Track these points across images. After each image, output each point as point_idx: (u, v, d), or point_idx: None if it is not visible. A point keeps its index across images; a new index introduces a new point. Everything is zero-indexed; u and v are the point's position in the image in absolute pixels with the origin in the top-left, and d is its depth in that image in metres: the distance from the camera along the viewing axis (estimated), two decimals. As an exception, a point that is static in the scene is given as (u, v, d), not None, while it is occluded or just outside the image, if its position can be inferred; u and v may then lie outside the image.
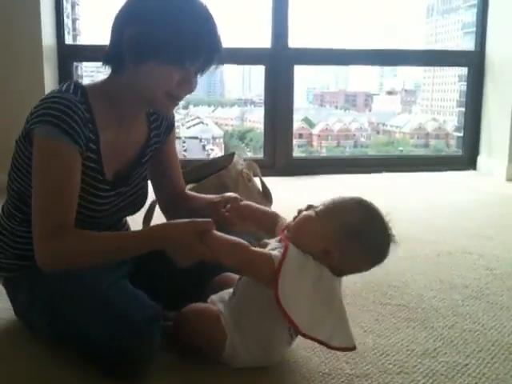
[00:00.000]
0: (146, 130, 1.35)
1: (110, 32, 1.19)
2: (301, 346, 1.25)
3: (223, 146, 9.88)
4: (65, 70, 3.03)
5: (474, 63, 3.59)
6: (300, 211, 1.15)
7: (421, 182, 3.35)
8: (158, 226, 1.20)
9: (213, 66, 1.21)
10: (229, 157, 1.79)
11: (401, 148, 10.12)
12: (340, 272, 1.12)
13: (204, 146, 9.75)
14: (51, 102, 1.13)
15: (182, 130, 10.23)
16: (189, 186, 1.75)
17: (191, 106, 8.61)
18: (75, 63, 3.11)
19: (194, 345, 1.15)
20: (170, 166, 1.45)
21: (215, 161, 1.82)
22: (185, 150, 9.47)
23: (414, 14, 7.62)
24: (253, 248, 1.08)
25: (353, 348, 1.10)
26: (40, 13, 2.82)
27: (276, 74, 3.29)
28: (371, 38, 5.51)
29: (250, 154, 7.43)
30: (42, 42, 2.82)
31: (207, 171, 1.77)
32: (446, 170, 3.51)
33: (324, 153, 7.77)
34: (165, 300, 1.21)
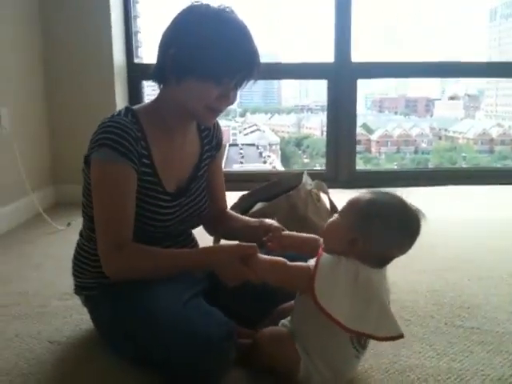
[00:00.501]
0: (199, 145, 1.46)
1: (156, 51, 1.30)
2: (375, 369, 1.28)
3: (280, 152, 9.90)
4: (134, 89, 3.17)
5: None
6: None
7: (490, 195, 3.27)
8: (208, 249, 1.31)
9: (251, 81, 1.29)
10: (298, 176, 1.83)
11: (464, 154, 9.85)
12: (376, 258, 1.13)
13: (261, 153, 9.82)
14: (105, 127, 1.24)
15: (239, 137, 10.32)
16: (259, 205, 1.81)
17: (248, 114, 8.72)
18: (144, 81, 3.23)
19: (270, 367, 1.20)
20: (214, 184, 1.53)
21: (284, 179, 1.87)
22: (242, 157, 9.56)
23: (476, 18, 7.45)
24: (290, 263, 1.16)
25: (400, 336, 1.12)
26: (111, 33, 2.97)
27: (339, 88, 3.32)
28: (433, 49, 5.43)
29: (306, 161, 7.44)
30: (113, 62, 2.97)
31: (276, 190, 1.82)
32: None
33: (383, 158, 7.67)
34: (237, 319, 1.27)
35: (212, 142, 1.50)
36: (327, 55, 3.33)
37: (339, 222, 1.16)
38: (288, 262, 1.17)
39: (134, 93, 3.16)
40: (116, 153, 1.22)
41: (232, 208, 1.82)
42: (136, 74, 3.18)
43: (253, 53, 1.26)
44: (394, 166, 7.32)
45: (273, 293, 1.30)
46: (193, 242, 1.54)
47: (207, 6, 1.27)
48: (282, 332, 1.23)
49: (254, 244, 1.23)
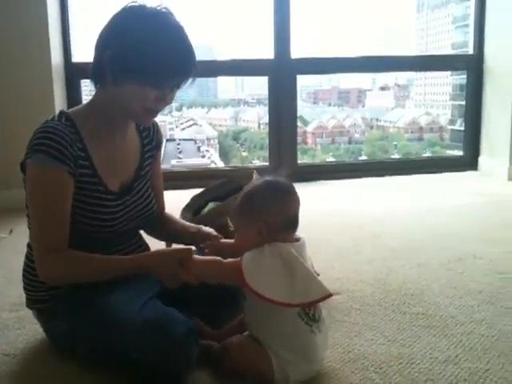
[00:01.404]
0: (140, 145, 1.47)
1: (93, 51, 1.29)
2: (331, 359, 1.34)
3: (218, 146, 9.88)
4: (73, 89, 3.10)
5: (473, 67, 3.69)
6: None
7: (423, 184, 3.44)
8: (145, 256, 1.34)
9: (188, 82, 1.31)
10: (248, 174, 1.87)
11: (395, 142, 10.20)
12: (284, 227, 1.24)
13: (199, 148, 9.78)
14: (39, 133, 1.25)
15: (176, 132, 10.21)
16: (211, 204, 1.84)
17: (184, 108, 8.66)
18: (82, 81, 3.16)
19: (243, 372, 1.23)
20: (153, 185, 1.53)
21: (235, 178, 1.90)
22: (180, 152, 9.48)
23: (404, 10, 7.71)
24: (224, 261, 1.24)
25: (329, 295, 1.20)
26: (49, 31, 2.88)
27: (279, 84, 3.38)
28: (368, 42, 5.59)
29: (245, 154, 7.49)
30: (51, 61, 2.89)
31: (227, 189, 1.85)
32: (447, 172, 3.60)
33: (319, 150, 7.83)
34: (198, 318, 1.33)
35: (152, 142, 1.51)
36: (266, 52, 3.38)
37: (239, 232, 1.29)
38: (222, 259, 1.25)
39: (73, 93, 3.09)
40: (49, 157, 1.22)
41: (184, 209, 1.84)
42: (74, 73, 3.11)
43: (189, 55, 1.26)
44: (329, 157, 7.50)
45: (216, 294, 1.35)
46: (143, 245, 1.55)
47: (144, 6, 1.27)
48: (249, 339, 1.27)
49: (190, 247, 1.29)
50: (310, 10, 4.15)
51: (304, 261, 1.21)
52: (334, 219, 2.68)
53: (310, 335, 1.22)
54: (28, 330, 1.54)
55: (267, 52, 3.38)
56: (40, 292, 1.36)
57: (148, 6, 1.27)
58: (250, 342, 1.25)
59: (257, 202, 1.24)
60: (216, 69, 3.46)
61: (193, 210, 1.82)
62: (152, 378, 1.18)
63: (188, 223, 1.59)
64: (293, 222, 1.26)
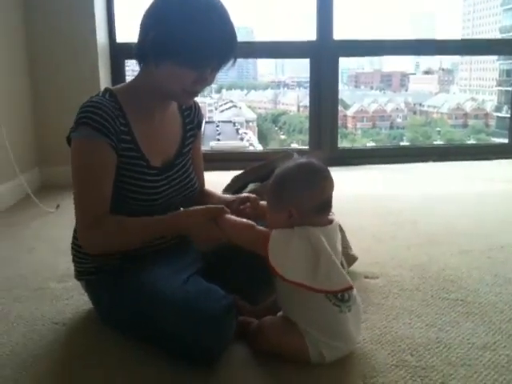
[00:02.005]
0: (182, 123, 1.52)
1: (138, 31, 1.33)
2: (368, 340, 1.36)
3: (256, 129, 9.86)
4: (117, 68, 3.17)
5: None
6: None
7: (467, 171, 3.40)
8: (181, 213, 1.34)
9: (229, 64, 1.32)
10: (288, 157, 1.89)
11: (438, 129, 9.97)
12: (315, 211, 1.22)
13: (238, 130, 9.79)
14: (83, 108, 1.29)
15: (215, 114, 10.22)
16: (251, 185, 1.86)
17: (224, 90, 8.69)
18: (127, 61, 3.23)
19: (278, 352, 1.27)
20: (194, 163, 1.57)
21: (275, 160, 1.92)
22: (219, 134, 9.52)
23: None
24: (258, 227, 1.25)
25: (350, 287, 1.22)
26: (94, 12, 2.95)
27: (321, 66, 3.37)
28: (413, 25, 5.49)
29: (283, 137, 7.49)
30: (96, 43, 2.97)
31: (267, 171, 1.87)
32: (491, 159, 3.53)
33: (359, 134, 7.76)
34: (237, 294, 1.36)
35: (194, 122, 1.56)
36: (307, 33, 3.37)
37: (271, 214, 1.28)
38: (254, 224, 1.26)
39: (117, 73, 3.16)
40: (92, 130, 1.27)
41: (225, 190, 1.87)
42: (118, 53, 3.17)
43: (230, 37, 1.28)
44: (369, 142, 7.43)
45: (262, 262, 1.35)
46: None
47: None
48: (282, 320, 1.29)
49: (222, 206, 1.32)
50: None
51: (333, 248, 1.21)
52: (372, 204, 2.68)
53: (338, 315, 1.23)
54: (76, 300, 1.61)
55: (309, 33, 3.37)
56: (87, 264, 1.43)
57: None
58: (283, 322, 1.27)
59: (288, 187, 1.23)
60: (256, 51, 3.48)
61: (233, 190, 1.85)
62: (189, 352, 1.23)
63: (226, 195, 1.63)
64: (325, 206, 1.25)
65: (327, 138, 3.47)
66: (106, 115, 1.28)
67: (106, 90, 1.37)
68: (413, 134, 10.01)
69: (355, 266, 1.79)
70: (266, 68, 9.50)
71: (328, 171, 1.25)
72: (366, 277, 1.77)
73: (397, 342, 1.36)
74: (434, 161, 3.46)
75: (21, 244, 2.17)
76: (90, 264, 1.42)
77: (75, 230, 1.45)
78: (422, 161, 3.46)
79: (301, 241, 1.19)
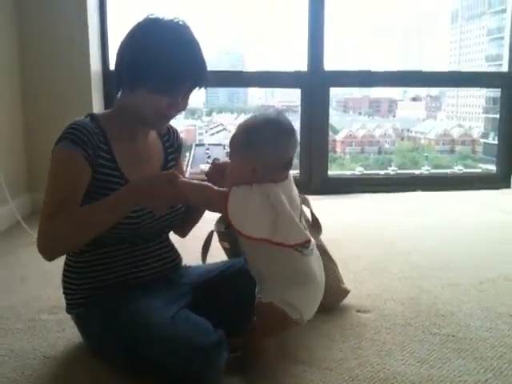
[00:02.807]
0: (162, 148, 1.56)
1: (115, 58, 1.39)
2: (361, 378, 1.37)
3: (246, 152, 9.67)
4: (110, 95, 3.18)
5: (508, 84, 3.68)
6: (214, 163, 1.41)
7: (454, 200, 3.45)
8: (132, 182, 1.32)
9: (199, 89, 1.40)
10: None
11: (426, 154, 10.05)
12: (278, 169, 1.26)
13: (227, 153, 9.68)
14: (65, 128, 1.34)
15: (205, 137, 10.25)
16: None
17: (214, 113, 8.74)
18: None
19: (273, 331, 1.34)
20: None
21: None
22: (208, 157, 9.54)
23: (438, 21, 7.68)
24: (216, 187, 1.27)
25: (307, 241, 1.27)
26: (89, 41, 2.99)
27: (312, 95, 3.43)
28: (400, 55, 5.59)
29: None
30: (90, 70, 2.99)
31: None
32: (479, 188, 3.59)
33: (347, 159, 7.80)
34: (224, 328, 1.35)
35: (174, 145, 1.59)
36: (297, 63, 3.43)
37: (233, 165, 1.29)
38: (212, 185, 1.27)
39: (110, 99, 3.17)
40: (70, 142, 1.31)
41: (218, 221, 1.88)
42: (111, 80, 3.19)
43: (200, 67, 1.35)
44: (358, 166, 7.48)
45: (248, 290, 1.38)
46: (170, 246, 1.59)
47: (160, 18, 1.36)
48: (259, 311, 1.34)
49: (173, 170, 1.35)
50: (343, 23, 4.18)
51: (291, 201, 1.26)
52: (363, 233, 2.71)
53: (302, 258, 1.28)
54: (67, 333, 1.60)
55: (299, 63, 3.43)
56: (77, 295, 1.44)
57: (165, 18, 1.35)
58: (263, 305, 1.31)
59: (255, 140, 1.24)
60: (247, 80, 3.52)
61: (226, 223, 1.86)
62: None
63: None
64: (288, 165, 1.29)
65: (318, 166, 3.50)
66: (84, 131, 1.33)
67: (88, 114, 1.43)
68: (401, 160, 10.07)
69: (347, 299, 1.81)
70: (255, 92, 9.56)
71: (294, 130, 1.30)
72: (358, 311, 1.78)
73: (390, 380, 1.37)
74: (422, 190, 3.50)
75: (12, 273, 2.16)
76: (80, 295, 1.43)
77: (66, 261, 1.47)
78: (411, 190, 3.50)
79: (260, 198, 1.21)
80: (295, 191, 1.33)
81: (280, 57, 3.88)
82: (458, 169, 7.10)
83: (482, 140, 10.05)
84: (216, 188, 1.27)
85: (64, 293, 1.48)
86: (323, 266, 1.77)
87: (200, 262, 1.73)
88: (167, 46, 1.31)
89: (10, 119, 2.96)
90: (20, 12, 2.95)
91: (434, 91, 9.39)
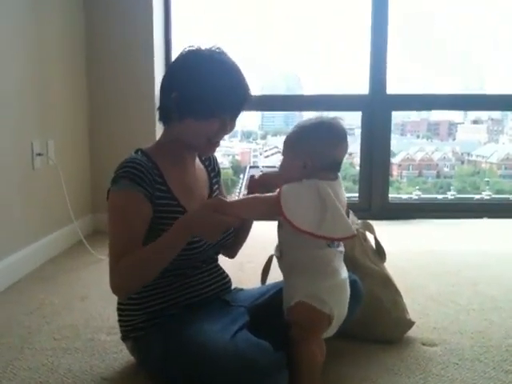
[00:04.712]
0: (206, 173, 1.59)
1: (160, 94, 1.43)
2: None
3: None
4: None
5: None
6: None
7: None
8: (179, 219, 1.31)
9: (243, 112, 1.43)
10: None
11: (487, 179, 9.71)
12: (328, 167, 1.30)
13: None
14: (120, 165, 1.36)
15: (259, 160, 10.29)
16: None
17: (269, 136, 8.77)
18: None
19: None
20: None
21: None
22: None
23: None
24: (261, 195, 1.30)
25: (353, 235, 1.28)
26: (154, 65, 3.05)
27: (373, 119, 3.35)
28: (461, 78, 5.43)
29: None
30: (154, 94, 3.04)
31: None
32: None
33: (404, 182, 7.61)
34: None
35: (215, 169, 1.63)
36: (359, 87, 3.36)
37: (285, 160, 1.34)
38: (258, 195, 1.31)
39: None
40: (129, 181, 1.32)
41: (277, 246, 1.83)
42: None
43: (246, 91, 1.39)
44: (415, 190, 7.28)
45: None
46: (222, 270, 1.59)
47: (199, 49, 1.40)
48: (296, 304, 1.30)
49: (218, 197, 1.39)
50: (404, 45, 4.07)
51: (338, 200, 1.25)
52: (427, 261, 2.57)
53: (327, 249, 1.29)
54: (125, 354, 1.57)
55: (359, 86, 3.37)
56: (135, 321, 1.43)
57: (203, 48, 1.40)
58: (292, 309, 1.30)
59: (308, 138, 1.29)
60: (307, 103, 3.48)
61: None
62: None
63: None
64: (336, 165, 1.32)
65: (378, 191, 3.40)
66: (140, 167, 1.35)
67: (137, 150, 1.45)
68: (460, 184, 9.80)
69: (412, 331, 1.71)
70: (311, 115, 9.45)
71: (346, 134, 1.33)
72: (424, 344, 1.68)
73: (460, 420, 1.27)
74: (487, 217, 3.33)
75: (73, 291, 2.18)
76: (139, 319, 1.42)
77: None
78: (475, 217, 3.33)
79: (310, 190, 1.25)
80: (343, 195, 1.33)
81: (339, 80, 3.82)
82: (520, 194, 6.72)
83: (547, 165, 9.54)
84: (263, 195, 1.30)
85: (119, 320, 1.48)
86: (389, 295, 1.71)
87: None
88: (214, 75, 1.35)
89: (77, 142, 3.03)
90: (89, 36, 3.05)
91: (496, 114, 9.12)
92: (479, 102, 3.59)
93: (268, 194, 1.30)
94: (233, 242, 1.60)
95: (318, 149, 1.29)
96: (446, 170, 8.20)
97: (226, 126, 1.41)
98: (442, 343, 1.68)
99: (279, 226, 1.35)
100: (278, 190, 1.28)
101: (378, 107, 3.28)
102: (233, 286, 1.62)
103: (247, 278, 2.06)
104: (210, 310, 1.43)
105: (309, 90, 4.02)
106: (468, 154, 9.54)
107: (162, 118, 1.45)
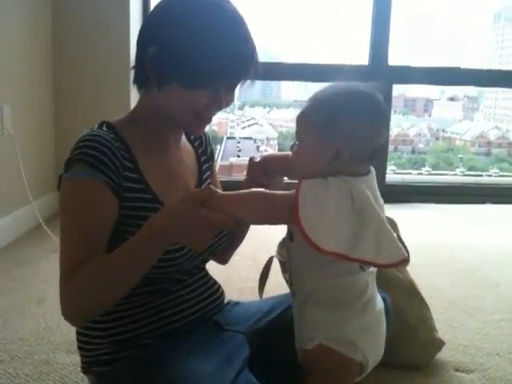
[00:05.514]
0: (195, 157, 1.17)
1: (135, 50, 1.01)
2: None
3: (277, 147, 9.66)
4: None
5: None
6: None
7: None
8: (150, 218, 0.88)
9: (248, 81, 1.00)
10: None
11: (461, 155, 9.73)
12: (364, 160, 0.90)
13: (258, 147, 9.57)
14: (77, 145, 0.94)
15: (236, 131, 10.07)
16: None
17: (247, 107, 8.48)
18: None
19: None
20: None
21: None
22: (239, 150, 9.30)
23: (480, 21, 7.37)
24: (270, 191, 0.88)
25: (405, 260, 0.85)
26: (129, 27, 2.61)
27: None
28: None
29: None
30: (130, 60, 2.59)
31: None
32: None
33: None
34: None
35: (207, 152, 1.20)
36: (358, 57, 2.97)
37: (305, 145, 0.90)
38: (266, 190, 0.88)
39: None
40: (85, 166, 0.91)
41: (280, 245, 1.46)
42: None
43: (250, 51, 0.97)
44: (391, 165, 7.12)
45: None
46: (214, 284, 1.17)
47: None
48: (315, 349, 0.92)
49: (209, 186, 0.89)
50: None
51: (378, 205, 0.86)
52: (438, 257, 2.18)
53: (362, 277, 0.91)
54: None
55: (359, 57, 2.97)
56: (98, 351, 1.01)
57: None
58: (311, 353, 0.92)
59: (346, 116, 0.87)
60: (310, 73, 3.05)
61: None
62: None
63: None
64: (377, 153, 0.91)
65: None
66: (103, 147, 0.93)
67: (102, 122, 1.01)
68: (435, 160, 9.85)
69: (440, 352, 1.37)
70: (289, 87, 9.39)
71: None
72: (457, 369, 1.34)
73: None
74: (491, 202, 3.00)
75: (28, 290, 1.75)
76: (103, 349, 1.01)
77: None
78: (477, 201, 3.00)
79: (340, 196, 0.84)
80: (378, 191, 0.92)
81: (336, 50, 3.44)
82: (493, 172, 6.66)
83: (522, 143, 9.55)
84: (272, 192, 0.88)
85: (80, 347, 1.05)
86: (415, 309, 1.36)
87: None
88: (210, 25, 0.93)
89: (39, 110, 2.59)
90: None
91: (472, 92, 9.13)
92: (452, 76, 3.18)
93: (280, 192, 0.88)
94: (225, 245, 1.18)
95: (362, 133, 0.87)
96: (421, 145, 8.11)
97: (221, 98, 0.99)
98: (479, 368, 1.34)
99: (288, 237, 0.94)
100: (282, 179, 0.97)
101: (379, 79, 2.88)
102: (226, 299, 1.22)
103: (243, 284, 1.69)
104: (197, 339, 1.02)
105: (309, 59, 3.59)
106: (443, 131, 9.51)
107: (137, 82, 1.02)
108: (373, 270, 0.93)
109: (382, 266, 0.87)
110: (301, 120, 0.91)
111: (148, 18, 1.01)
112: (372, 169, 0.93)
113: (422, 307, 1.38)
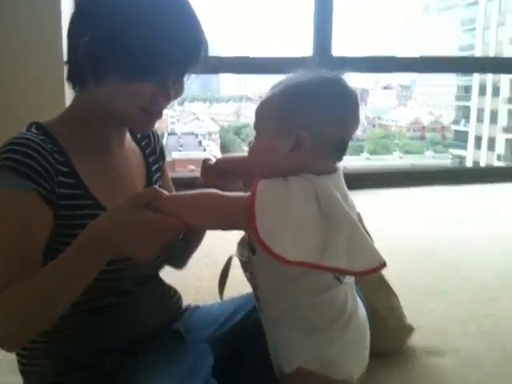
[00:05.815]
0: (142, 157, 1.04)
1: (67, 41, 0.88)
2: None
3: (219, 141, 9.58)
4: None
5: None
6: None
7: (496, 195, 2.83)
8: (88, 226, 0.76)
9: (198, 68, 0.88)
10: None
11: (397, 141, 10.04)
12: (331, 149, 0.79)
13: (200, 142, 9.45)
14: (2, 150, 0.81)
15: (177, 126, 9.90)
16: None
17: (186, 102, 8.27)
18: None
19: None
20: None
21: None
22: (180, 146, 9.13)
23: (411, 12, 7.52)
24: (222, 192, 0.77)
25: (382, 265, 0.75)
26: (61, 21, 2.41)
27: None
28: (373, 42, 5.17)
29: (246, 149, 7.26)
30: (63, 55, 2.41)
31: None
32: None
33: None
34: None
35: (156, 152, 1.07)
36: (300, 48, 2.89)
37: (260, 139, 0.81)
38: (218, 191, 0.77)
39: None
40: (11, 174, 0.78)
41: (240, 244, 1.35)
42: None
43: (198, 32, 0.86)
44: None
45: None
46: (169, 290, 1.06)
47: None
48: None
49: (155, 186, 0.79)
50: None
51: (348, 205, 0.75)
52: (392, 242, 2.04)
53: (340, 289, 0.80)
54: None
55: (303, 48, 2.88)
56: (41, 372, 0.89)
57: None
58: (289, 378, 0.82)
59: (305, 103, 0.77)
60: (250, 66, 2.95)
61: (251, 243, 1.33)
62: None
63: None
64: (343, 148, 0.81)
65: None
66: (32, 152, 0.80)
67: (31, 124, 0.88)
68: (373, 146, 10.11)
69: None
70: (228, 81, 9.34)
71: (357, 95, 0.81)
72: (429, 353, 1.29)
73: None
74: (443, 184, 2.95)
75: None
76: (47, 370, 0.88)
77: None
78: (415, 184, 2.97)
79: (304, 196, 0.73)
80: (347, 190, 0.81)
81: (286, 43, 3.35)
82: (429, 154, 6.87)
83: (454, 127, 9.95)
84: (229, 194, 0.76)
85: (20, 370, 0.92)
86: (384, 300, 1.30)
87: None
88: (148, 7, 0.82)
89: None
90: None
91: (405, 80, 9.37)
92: (386, 64, 3.18)
93: (235, 194, 0.78)
94: (181, 251, 1.07)
95: (323, 115, 0.77)
96: (359, 133, 8.31)
97: (169, 88, 0.87)
98: (450, 351, 1.30)
99: (249, 249, 0.80)
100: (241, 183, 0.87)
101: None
102: (184, 304, 1.10)
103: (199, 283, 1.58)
104: (156, 352, 0.90)
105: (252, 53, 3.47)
106: (379, 118, 9.77)
107: (72, 78, 0.89)
108: (350, 279, 0.83)
109: (358, 274, 0.76)
110: (260, 109, 0.81)
111: (78, 4, 0.87)
112: (339, 167, 0.82)
113: (391, 297, 1.32)
